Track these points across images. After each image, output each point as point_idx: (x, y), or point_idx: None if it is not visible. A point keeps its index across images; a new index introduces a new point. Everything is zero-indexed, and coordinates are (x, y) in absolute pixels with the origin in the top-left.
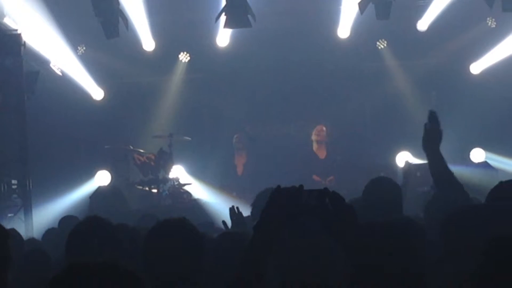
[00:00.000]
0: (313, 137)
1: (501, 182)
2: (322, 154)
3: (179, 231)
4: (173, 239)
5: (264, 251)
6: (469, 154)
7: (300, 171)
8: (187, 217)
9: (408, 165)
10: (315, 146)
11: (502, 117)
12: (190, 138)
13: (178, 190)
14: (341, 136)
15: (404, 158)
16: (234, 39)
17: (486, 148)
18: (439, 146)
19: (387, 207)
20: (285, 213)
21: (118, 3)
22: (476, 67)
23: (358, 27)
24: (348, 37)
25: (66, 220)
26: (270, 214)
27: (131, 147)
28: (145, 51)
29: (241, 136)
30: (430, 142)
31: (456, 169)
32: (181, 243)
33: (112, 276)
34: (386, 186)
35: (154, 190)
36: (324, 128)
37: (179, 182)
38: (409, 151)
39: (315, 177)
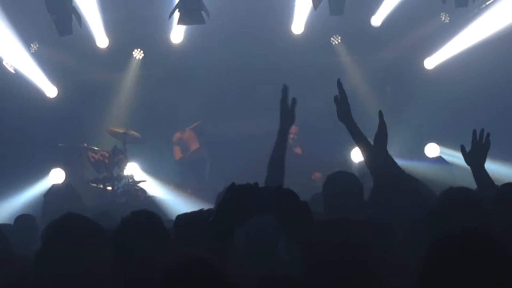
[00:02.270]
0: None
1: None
2: (298, 151)
3: (150, 223)
4: (145, 231)
5: (221, 247)
6: (423, 149)
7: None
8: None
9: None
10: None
11: (456, 111)
12: (140, 135)
13: (132, 188)
14: (299, 132)
15: (358, 154)
16: (188, 36)
17: (440, 143)
18: (351, 115)
19: (348, 203)
20: (240, 210)
21: (71, 0)
22: (430, 62)
23: (312, 23)
24: (302, 33)
25: (21, 218)
26: (225, 211)
27: (85, 145)
28: (99, 48)
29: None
30: (342, 113)
31: (411, 164)
32: (152, 234)
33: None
34: (346, 181)
35: (109, 188)
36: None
37: (133, 179)
38: None
39: (317, 174)
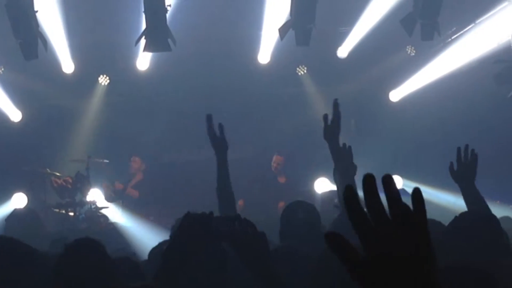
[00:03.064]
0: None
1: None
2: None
3: (89, 252)
4: (83, 260)
5: (174, 275)
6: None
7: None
8: (103, 241)
9: (329, 192)
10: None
11: (420, 145)
12: (107, 161)
13: (95, 214)
14: (263, 162)
15: (322, 184)
16: (154, 63)
17: (403, 175)
18: (338, 137)
19: (303, 232)
20: (194, 239)
21: (37, 25)
22: (396, 95)
23: (278, 53)
24: (268, 63)
25: None
26: (181, 239)
27: (48, 170)
28: (64, 73)
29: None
30: (330, 134)
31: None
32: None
33: None
34: (303, 210)
35: (71, 213)
36: (280, 158)
37: (96, 205)
38: (328, 177)
39: (281, 203)
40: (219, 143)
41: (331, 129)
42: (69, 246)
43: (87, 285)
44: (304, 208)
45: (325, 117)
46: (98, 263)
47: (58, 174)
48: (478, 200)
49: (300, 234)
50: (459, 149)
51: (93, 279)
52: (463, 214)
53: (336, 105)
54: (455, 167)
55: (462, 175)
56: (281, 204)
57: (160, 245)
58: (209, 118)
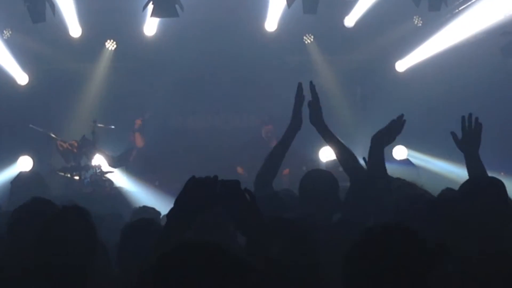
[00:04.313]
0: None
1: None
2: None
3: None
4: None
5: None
6: (391, 151)
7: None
8: (107, 205)
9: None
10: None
11: (424, 115)
12: (113, 127)
13: (100, 178)
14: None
15: (326, 153)
16: (162, 28)
17: (408, 145)
18: (322, 119)
19: (324, 200)
20: (196, 202)
21: None
22: (402, 65)
23: (285, 21)
24: (275, 31)
25: None
26: (184, 202)
27: (53, 135)
28: (71, 37)
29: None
30: (314, 118)
31: None
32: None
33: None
34: (324, 179)
35: (76, 177)
36: (270, 127)
37: (101, 170)
38: None
39: (285, 171)
40: (299, 118)
41: (314, 112)
42: (53, 213)
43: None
44: (324, 177)
45: (309, 103)
46: (82, 230)
47: (61, 137)
48: (480, 169)
49: (319, 203)
50: (463, 117)
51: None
52: (469, 181)
53: (312, 87)
54: (460, 136)
55: (466, 143)
56: (285, 172)
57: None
58: (300, 88)
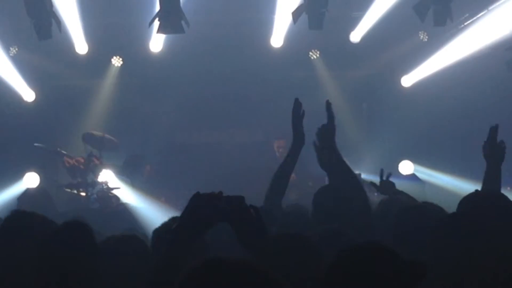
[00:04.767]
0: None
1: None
2: None
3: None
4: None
5: (183, 254)
6: (397, 166)
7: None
8: (113, 221)
9: None
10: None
11: (431, 130)
12: (118, 141)
13: (106, 194)
14: (273, 147)
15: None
16: (168, 45)
17: (414, 160)
18: (334, 138)
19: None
20: (203, 218)
21: (51, 5)
22: (407, 80)
23: (291, 37)
24: (281, 47)
25: None
26: (188, 218)
27: (60, 149)
28: (78, 54)
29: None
30: (327, 136)
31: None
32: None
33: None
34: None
35: (83, 194)
36: (282, 143)
37: (107, 186)
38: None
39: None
40: (300, 134)
41: (328, 131)
42: (56, 229)
43: (71, 268)
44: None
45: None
46: (84, 246)
47: (68, 153)
48: (496, 184)
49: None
50: (492, 128)
51: (77, 262)
52: (477, 192)
53: (328, 106)
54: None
55: (492, 154)
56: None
57: (163, 225)
58: (297, 104)
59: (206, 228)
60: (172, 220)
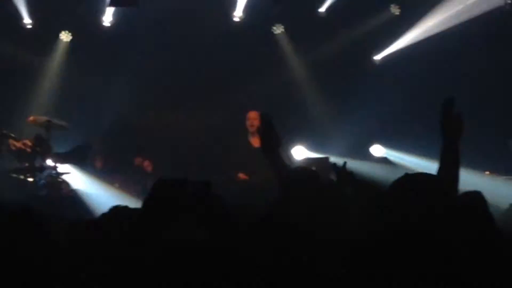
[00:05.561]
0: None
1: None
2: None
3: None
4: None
5: (145, 242)
6: (368, 149)
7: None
8: (64, 208)
9: (306, 159)
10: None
11: (402, 111)
12: (66, 123)
13: (55, 180)
14: (233, 127)
15: (299, 151)
16: (120, 18)
17: (386, 144)
18: (277, 151)
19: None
20: (167, 206)
21: None
22: (379, 55)
23: (252, 10)
24: (243, 20)
25: None
26: (152, 205)
27: (4, 132)
28: (22, 27)
29: None
30: (267, 147)
31: (355, 164)
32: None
33: None
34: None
35: (30, 179)
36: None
37: (57, 171)
38: (305, 144)
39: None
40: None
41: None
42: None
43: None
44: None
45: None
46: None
47: (13, 136)
48: (454, 162)
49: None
50: (446, 100)
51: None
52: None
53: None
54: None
55: (447, 129)
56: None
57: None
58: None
59: (171, 219)
60: (113, 210)
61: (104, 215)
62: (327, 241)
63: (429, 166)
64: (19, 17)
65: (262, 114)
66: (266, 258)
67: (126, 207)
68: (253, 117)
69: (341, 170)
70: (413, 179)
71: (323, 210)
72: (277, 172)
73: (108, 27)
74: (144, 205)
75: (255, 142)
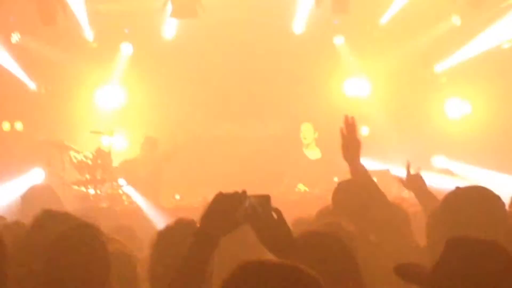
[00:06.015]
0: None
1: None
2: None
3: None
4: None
5: (204, 258)
6: (431, 161)
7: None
8: (124, 221)
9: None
10: (304, 147)
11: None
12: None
13: (116, 192)
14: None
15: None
16: (181, 30)
17: (448, 155)
18: (359, 155)
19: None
20: (226, 220)
21: None
22: (440, 67)
23: (314, 22)
24: (303, 32)
25: None
26: (211, 220)
27: (67, 144)
28: (85, 40)
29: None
30: (349, 151)
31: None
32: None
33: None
34: (354, 189)
35: (91, 191)
36: (309, 127)
37: (118, 183)
38: (365, 156)
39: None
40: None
41: (349, 146)
42: (61, 233)
43: (79, 274)
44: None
45: (341, 130)
46: (93, 251)
47: (76, 149)
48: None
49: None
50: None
51: (86, 267)
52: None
53: (347, 121)
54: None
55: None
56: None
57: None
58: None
59: (230, 230)
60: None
61: (168, 227)
62: None
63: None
64: (80, 32)
65: (346, 117)
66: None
67: (190, 220)
68: (305, 129)
69: (411, 174)
70: (464, 192)
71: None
72: (358, 177)
73: (169, 38)
74: (202, 218)
75: (309, 153)
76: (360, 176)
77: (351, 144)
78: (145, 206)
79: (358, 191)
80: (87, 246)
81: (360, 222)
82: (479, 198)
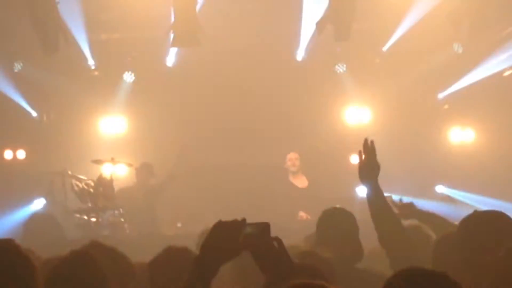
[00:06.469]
0: (288, 166)
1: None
2: (301, 183)
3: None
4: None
5: (203, 286)
6: (432, 188)
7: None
8: (126, 250)
9: None
10: (290, 176)
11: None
12: (131, 164)
13: (118, 220)
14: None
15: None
16: (183, 58)
17: (449, 183)
18: (376, 178)
19: (342, 239)
20: (226, 248)
21: (58, 17)
22: (443, 94)
23: (315, 49)
24: (305, 59)
25: None
26: (210, 248)
27: (69, 172)
28: (87, 69)
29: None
30: (367, 173)
31: (419, 202)
32: None
33: None
34: (339, 217)
35: (93, 219)
36: (297, 156)
37: (120, 211)
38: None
39: (302, 214)
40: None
41: (367, 169)
42: (61, 260)
43: None
44: (344, 217)
45: (359, 154)
46: (90, 279)
47: (79, 176)
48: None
49: (337, 243)
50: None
51: None
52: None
53: (366, 145)
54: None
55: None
56: (302, 214)
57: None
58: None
59: (230, 259)
60: (166, 251)
61: (160, 255)
62: None
63: (495, 204)
64: (82, 60)
65: (365, 141)
66: None
67: (182, 248)
68: (294, 158)
69: (401, 201)
70: (482, 216)
71: None
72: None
73: (170, 67)
74: (202, 247)
75: (296, 181)
76: (377, 198)
77: (370, 167)
78: (144, 234)
79: (343, 219)
80: (85, 274)
81: (345, 249)
82: (498, 221)
